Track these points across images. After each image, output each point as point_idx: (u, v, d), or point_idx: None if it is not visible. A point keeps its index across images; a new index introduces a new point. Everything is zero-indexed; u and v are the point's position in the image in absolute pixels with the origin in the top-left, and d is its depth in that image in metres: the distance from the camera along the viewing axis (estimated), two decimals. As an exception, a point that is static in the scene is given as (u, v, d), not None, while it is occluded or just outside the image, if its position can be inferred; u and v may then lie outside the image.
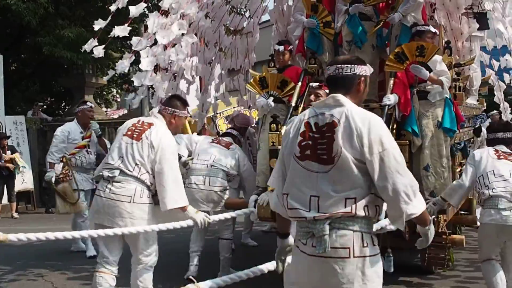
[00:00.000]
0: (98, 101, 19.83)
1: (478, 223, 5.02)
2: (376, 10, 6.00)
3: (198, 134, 7.00)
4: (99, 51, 5.64)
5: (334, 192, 2.51)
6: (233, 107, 9.64)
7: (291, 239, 2.86)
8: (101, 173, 4.25)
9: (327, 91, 4.38)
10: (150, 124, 4.31)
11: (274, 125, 5.18)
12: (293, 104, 5.46)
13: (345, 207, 2.48)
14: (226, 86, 8.27)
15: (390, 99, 5.01)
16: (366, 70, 2.73)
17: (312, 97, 4.58)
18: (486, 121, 8.84)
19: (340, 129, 2.52)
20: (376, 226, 4.20)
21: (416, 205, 2.56)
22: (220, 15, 7.28)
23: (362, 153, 2.48)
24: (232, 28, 8.14)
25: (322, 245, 2.47)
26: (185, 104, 4.58)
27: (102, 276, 4.18)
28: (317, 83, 4.64)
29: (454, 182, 4.87)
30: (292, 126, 2.76)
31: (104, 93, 22.29)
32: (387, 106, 4.96)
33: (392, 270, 5.92)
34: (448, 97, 5.13)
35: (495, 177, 4.62)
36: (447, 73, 5.09)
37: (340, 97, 2.61)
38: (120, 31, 5.54)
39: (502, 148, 4.84)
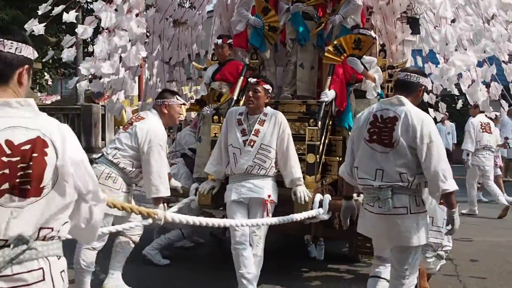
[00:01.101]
0: (31, 86, 19.25)
1: None
2: (317, 10, 6.25)
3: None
4: (39, 28, 5.61)
5: (394, 168, 3.53)
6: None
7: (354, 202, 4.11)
8: None
9: (265, 86, 4.63)
10: (141, 118, 4.77)
11: (217, 117, 5.34)
12: (234, 97, 5.62)
13: (401, 179, 3.51)
14: (168, 77, 8.31)
15: (328, 95, 5.26)
16: (427, 81, 3.76)
17: (251, 93, 4.70)
18: None
19: (400, 123, 3.52)
20: (308, 215, 4.50)
21: (449, 184, 3.45)
22: (164, 6, 7.33)
23: (414, 142, 3.47)
24: (176, 20, 8.20)
25: (386, 206, 3.53)
26: (173, 93, 5.04)
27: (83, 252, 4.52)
28: (255, 79, 4.76)
29: None
30: (363, 116, 3.76)
31: (37, 77, 21.63)
32: (324, 103, 5.21)
33: (322, 257, 6.28)
34: (382, 96, 5.45)
35: (432, 225, 5.10)
36: (380, 73, 5.39)
37: (403, 98, 3.59)
38: (68, 17, 5.56)
39: None
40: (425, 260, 5.15)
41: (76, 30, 5.69)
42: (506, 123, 13.99)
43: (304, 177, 4.79)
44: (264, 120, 4.67)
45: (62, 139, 1.92)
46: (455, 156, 14.34)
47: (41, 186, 1.85)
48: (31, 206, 1.84)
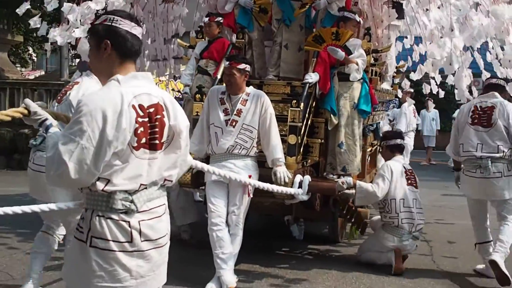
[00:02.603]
0: (12, 60, 18.95)
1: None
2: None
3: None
4: (22, 9, 5.56)
5: (492, 143, 5.12)
6: (166, 74, 9.62)
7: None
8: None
9: (239, 67, 4.60)
10: (75, 84, 4.17)
11: (199, 95, 5.32)
12: (218, 76, 5.60)
13: (498, 151, 5.10)
14: (156, 54, 8.26)
15: (312, 77, 5.27)
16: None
17: (225, 76, 4.68)
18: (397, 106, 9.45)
19: (496, 110, 5.15)
20: (286, 190, 4.55)
21: None
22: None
23: (508, 123, 5.11)
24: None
25: (487, 171, 5.08)
26: None
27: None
28: (228, 62, 4.72)
29: (370, 189, 5.24)
30: (465, 108, 5.36)
31: (20, 51, 21.32)
32: (308, 84, 5.22)
33: (302, 238, 6.35)
34: (366, 80, 5.47)
35: (403, 206, 5.29)
36: (364, 57, 5.41)
37: (497, 94, 5.25)
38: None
39: (404, 163, 5.73)
40: (402, 244, 5.26)
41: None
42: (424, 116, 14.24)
43: (285, 158, 4.80)
44: (247, 100, 4.66)
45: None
46: (440, 142, 14.50)
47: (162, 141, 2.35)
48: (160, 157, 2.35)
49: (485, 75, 6.67)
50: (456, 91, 6.43)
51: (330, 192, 5.20)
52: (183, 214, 6.10)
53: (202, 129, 4.83)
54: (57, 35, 5.68)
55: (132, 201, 2.26)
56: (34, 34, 18.66)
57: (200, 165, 3.83)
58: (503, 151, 5.04)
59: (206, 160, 4.82)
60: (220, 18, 6.13)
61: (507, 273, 4.83)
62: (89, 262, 2.26)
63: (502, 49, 6.50)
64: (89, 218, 2.28)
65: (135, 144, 2.24)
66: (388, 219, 5.35)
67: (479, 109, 5.20)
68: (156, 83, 9.40)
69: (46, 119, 2.53)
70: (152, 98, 2.32)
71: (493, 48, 6.79)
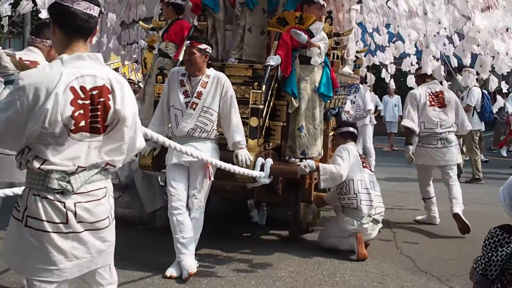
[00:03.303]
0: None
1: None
2: (268, -26, 6.17)
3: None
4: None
5: (448, 119, 6.52)
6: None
7: None
8: None
9: (200, 46, 4.56)
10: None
11: (160, 77, 5.24)
12: (180, 59, 5.52)
13: (451, 126, 6.49)
14: (118, 38, 8.10)
15: (274, 59, 5.23)
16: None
17: (186, 55, 4.63)
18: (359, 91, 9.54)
19: (445, 93, 6.57)
20: (247, 172, 4.53)
21: None
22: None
23: (456, 103, 6.47)
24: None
25: (448, 142, 6.51)
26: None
27: None
28: (188, 41, 4.67)
29: (333, 169, 5.26)
30: (420, 92, 6.46)
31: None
32: (269, 67, 5.18)
33: (264, 222, 6.35)
34: (327, 63, 5.47)
35: (361, 188, 5.34)
36: (326, 40, 5.40)
37: (436, 81, 6.26)
38: None
39: (357, 148, 5.86)
40: (362, 227, 5.29)
41: None
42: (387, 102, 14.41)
43: (247, 141, 4.78)
44: (207, 82, 4.61)
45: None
46: (401, 128, 14.64)
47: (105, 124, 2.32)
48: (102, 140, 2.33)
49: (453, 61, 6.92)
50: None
51: (292, 175, 5.20)
52: (151, 200, 6.05)
53: (162, 111, 4.76)
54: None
55: (68, 181, 2.25)
56: None
57: (161, 139, 3.79)
58: (454, 125, 6.57)
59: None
60: (179, 0, 6.03)
61: (467, 222, 6.13)
62: (24, 242, 2.24)
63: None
64: (26, 196, 2.28)
65: (72, 127, 2.23)
66: (347, 200, 5.37)
67: (432, 93, 6.56)
68: (118, 67, 9.33)
69: (11, 74, 2.57)
70: (97, 80, 2.29)
71: (451, 35, 6.90)
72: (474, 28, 5.46)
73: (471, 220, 6.28)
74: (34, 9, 10.74)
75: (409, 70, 7.77)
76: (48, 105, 2.15)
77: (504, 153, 13.13)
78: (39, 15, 5.54)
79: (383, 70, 8.48)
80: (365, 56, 8.08)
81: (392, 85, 10.79)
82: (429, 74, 6.20)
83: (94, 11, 2.35)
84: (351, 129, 5.81)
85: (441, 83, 6.82)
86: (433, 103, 6.54)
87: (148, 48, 5.37)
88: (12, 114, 2.16)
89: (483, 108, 9.87)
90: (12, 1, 5.77)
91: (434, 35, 5.99)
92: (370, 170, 5.58)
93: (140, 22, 7.28)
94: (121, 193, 6.04)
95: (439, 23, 5.65)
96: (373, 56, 8.17)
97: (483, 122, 10.48)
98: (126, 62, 10.57)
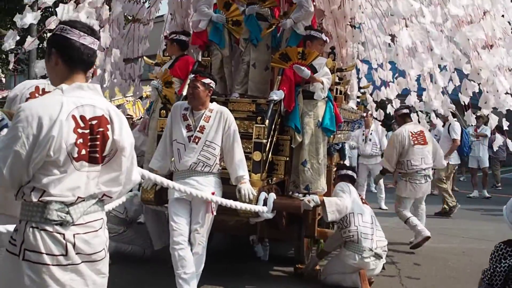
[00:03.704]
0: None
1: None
2: (272, 11, 6.27)
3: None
4: None
5: (429, 156, 7.12)
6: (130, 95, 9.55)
7: None
8: None
9: (204, 81, 4.59)
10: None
11: (164, 111, 5.26)
12: (184, 93, 5.55)
13: (430, 161, 7.10)
14: (121, 74, 8.19)
15: (277, 94, 5.27)
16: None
17: (190, 89, 4.65)
18: (362, 126, 9.60)
19: (425, 132, 7.01)
20: (250, 207, 4.50)
21: None
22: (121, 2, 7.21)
23: (433, 142, 6.95)
24: (130, 16, 8.10)
25: (429, 178, 7.21)
26: None
27: None
28: (193, 75, 4.71)
29: (338, 202, 5.24)
30: (404, 133, 6.63)
31: (-12, 72, 20.99)
32: (273, 101, 5.21)
33: (267, 258, 6.26)
34: (330, 98, 5.49)
35: (362, 221, 5.33)
36: (329, 75, 5.43)
37: (415, 121, 6.46)
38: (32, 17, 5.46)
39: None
40: (364, 262, 5.21)
41: (14, 19, 5.55)
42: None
43: (250, 175, 4.75)
44: (210, 116, 4.62)
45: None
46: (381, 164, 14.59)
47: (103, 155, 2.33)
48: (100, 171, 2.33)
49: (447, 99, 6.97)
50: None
51: (295, 210, 5.16)
52: (159, 237, 6.01)
53: (165, 145, 4.77)
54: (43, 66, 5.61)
55: (68, 212, 2.23)
56: (3, 56, 18.42)
57: (159, 179, 3.78)
58: (432, 161, 7.20)
59: (170, 176, 4.74)
60: (183, 37, 6.11)
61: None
62: (21, 277, 2.19)
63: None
64: (22, 229, 2.23)
65: (76, 155, 2.23)
66: (348, 233, 5.30)
67: (415, 133, 7.11)
68: (122, 103, 9.41)
69: (2, 119, 2.53)
70: (97, 110, 2.31)
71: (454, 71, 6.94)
72: (477, 65, 5.50)
73: (478, 257, 6.18)
74: (39, 46, 10.90)
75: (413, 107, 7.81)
76: (54, 132, 2.16)
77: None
78: (24, 20, 5.59)
79: (389, 106, 8.51)
80: (372, 92, 8.14)
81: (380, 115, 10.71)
82: (435, 109, 6.25)
83: (96, 45, 2.40)
84: (350, 172, 5.85)
85: (418, 121, 7.68)
86: (416, 142, 7.08)
87: (165, 85, 5.41)
88: (18, 147, 2.14)
89: (462, 143, 9.87)
90: (18, 38, 5.85)
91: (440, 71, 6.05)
92: (368, 205, 5.61)
93: (144, 57, 7.35)
94: (125, 228, 6.00)
95: (441, 59, 5.71)
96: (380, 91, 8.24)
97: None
98: (130, 98, 10.68)
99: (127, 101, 11.35)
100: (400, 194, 7.20)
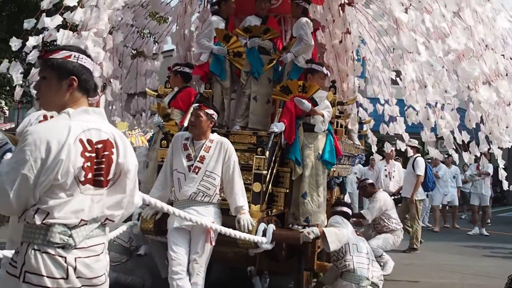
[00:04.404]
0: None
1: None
2: (275, 45, 6.37)
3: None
4: None
5: None
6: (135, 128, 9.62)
7: None
8: None
9: (207, 111, 4.64)
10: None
11: (165, 141, 5.30)
12: (185, 124, 5.60)
13: None
14: (122, 107, 8.26)
15: (278, 126, 5.32)
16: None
17: (192, 117, 4.69)
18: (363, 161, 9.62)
19: None
20: (249, 237, 4.48)
21: None
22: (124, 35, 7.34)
23: None
24: (134, 51, 8.25)
25: None
26: None
27: None
28: (197, 104, 4.77)
29: (338, 231, 5.28)
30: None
31: (-8, 105, 21.13)
32: (273, 133, 5.25)
33: (266, 292, 6.19)
34: (331, 131, 5.53)
35: (357, 251, 5.38)
36: (330, 108, 5.48)
37: None
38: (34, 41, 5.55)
39: None
40: None
41: (10, 43, 5.67)
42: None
43: (249, 206, 4.76)
44: (210, 147, 4.65)
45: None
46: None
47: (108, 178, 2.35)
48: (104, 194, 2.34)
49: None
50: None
51: (295, 241, 5.14)
52: (166, 266, 5.95)
53: (165, 175, 4.78)
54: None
55: (70, 236, 2.24)
56: (7, 88, 18.57)
57: (159, 204, 3.79)
58: None
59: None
60: (187, 69, 6.19)
61: None
62: None
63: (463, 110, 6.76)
64: (24, 252, 2.23)
65: (82, 179, 2.26)
66: (344, 262, 5.32)
67: None
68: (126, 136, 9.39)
69: (6, 143, 2.55)
70: (102, 134, 2.35)
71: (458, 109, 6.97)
72: (476, 99, 5.56)
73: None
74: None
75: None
76: (62, 156, 2.18)
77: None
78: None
79: (397, 141, 8.53)
80: (377, 126, 8.22)
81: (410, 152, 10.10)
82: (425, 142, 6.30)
83: (97, 72, 2.47)
84: (345, 208, 5.91)
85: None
86: None
87: (164, 119, 5.48)
88: (26, 170, 2.15)
89: (426, 178, 9.83)
90: (23, 70, 5.94)
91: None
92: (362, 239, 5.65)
93: (147, 89, 7.43)
94: (128, 257, 5.97)
95: (445, 92, 5.77)
96: (388, 126, 8.32)
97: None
98: (135, 131, 10.75)
99: (130, 134, 11.41)
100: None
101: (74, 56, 2.39)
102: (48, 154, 2.16)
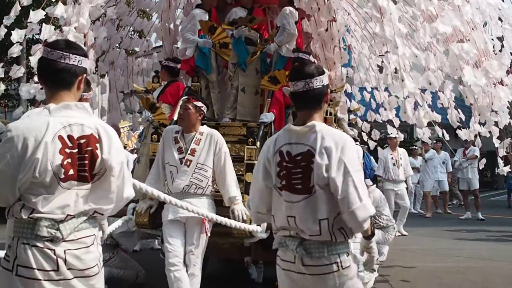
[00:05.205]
0: (-30, 116, 18.62)
1: None
2: (261, 35, 6.35)
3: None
4: None
5: None
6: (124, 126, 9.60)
7: None
8: None
9: (196, 103, 4.64)
10: None
11: (156, 135, 5.29)
12: (175, 118, 5.59)
13: None
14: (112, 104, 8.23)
15: (267, 116, 5.33)
16: None
17: (181, 110, 4.70)
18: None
19: None
20: (245, 226, 4.49)
21: None
22: (113, 34, 7.33)
23: None
24: (124, 49, 8.21)
25: None
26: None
27: None
28: (186, 97, 4.77)
29: None
30: None
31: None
32: (263, 124, 5.26)
33: (261, 280, 6.24)
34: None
35: (354, 236, 5.34)
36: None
37: None
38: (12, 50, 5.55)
39: None
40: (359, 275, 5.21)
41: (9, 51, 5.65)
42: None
43: (243, 197, 4.77)
44: (200, 139, 4.65)
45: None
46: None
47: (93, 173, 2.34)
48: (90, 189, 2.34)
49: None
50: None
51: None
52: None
53: (157, 169, 4.78)
54: (29, 89, 5.71)
55: (58, 229, 2.26)
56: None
57: (156, 193, 3.80)
58: None
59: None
60: (172, 63, 6.17)
61: None
62: None
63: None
64: (15, 246, 2.27)
65: (62, 176, 2.26)
66: None
67: None
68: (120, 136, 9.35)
69: (2, 132, 2.58)
70: (85, 128, 2.33)
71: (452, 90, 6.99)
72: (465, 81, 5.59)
73: (472, 275, 6.20)
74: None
75: None
76: (38, 154, 2.19)
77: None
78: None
79: (388, 126, 8.52)
80: (365, 114, 8.24)
81: (401, 137, 10.05)
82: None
83: (82, 62, 2.39)
84: None
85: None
86: None
87: (151, 110, 5.45)
88: (3, 166, 2.18)
89: (364, 166, 9.71)
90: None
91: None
92: None
93: (134, 85, 7.39)
94: (112, 254, 5.94)
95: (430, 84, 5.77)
96: (376, 114, 8.35)
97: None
98: (125, 129, 10.73)
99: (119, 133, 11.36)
100: None
101: (44, 51, 2.40)
102: (25, 152, 2.19)
